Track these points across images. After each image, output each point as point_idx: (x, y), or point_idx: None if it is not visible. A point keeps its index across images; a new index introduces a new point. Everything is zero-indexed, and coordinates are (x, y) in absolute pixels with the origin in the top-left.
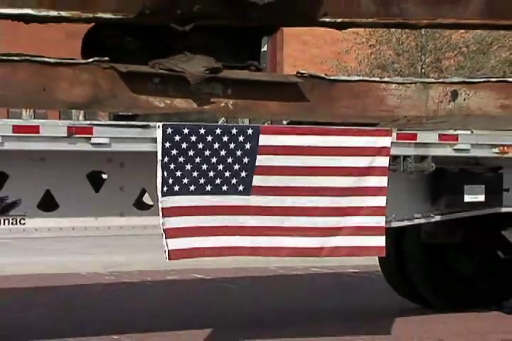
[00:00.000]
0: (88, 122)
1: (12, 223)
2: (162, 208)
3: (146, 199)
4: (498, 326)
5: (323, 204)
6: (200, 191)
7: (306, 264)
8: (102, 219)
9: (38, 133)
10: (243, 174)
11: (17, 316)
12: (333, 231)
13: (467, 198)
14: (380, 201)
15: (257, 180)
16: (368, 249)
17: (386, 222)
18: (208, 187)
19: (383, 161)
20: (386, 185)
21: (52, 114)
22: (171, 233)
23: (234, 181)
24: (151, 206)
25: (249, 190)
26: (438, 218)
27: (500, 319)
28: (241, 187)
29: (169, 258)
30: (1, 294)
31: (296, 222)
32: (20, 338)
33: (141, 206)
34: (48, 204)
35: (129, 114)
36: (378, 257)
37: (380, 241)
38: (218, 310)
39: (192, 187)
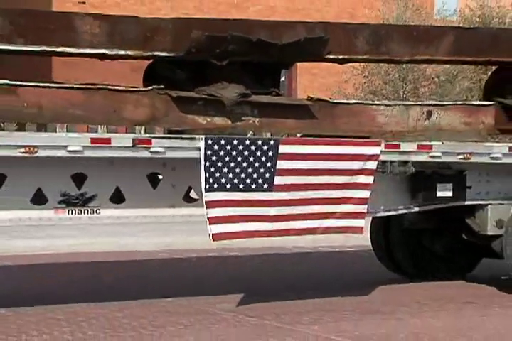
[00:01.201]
0: (148, 135)
1: (90, 212)
2: (206, 201)
3: (192, 194)
4: (463, 292)
5: (324, 196)
6: (235, 188)
7: (315, 244)
8: (158, 209)
9: (110, 143)
10: (267, 175)
11: (95, 282)
12: (328, 215)
13: (439, 194)
14: (366, 194)
15: (278, 180)
16: (351, 229)
17: (375, 212)
18: (241, 186)
19: (372, 165)
20: (372, 182)
21: (120, 129)
22: (213, 220)
23: (260, 181)
24: (196, 200)
25: (271, 187)
26: (416, 209)
27: (465, 286)
28: (265, 186)
29: (213, 240)
30: (79, 267)
31: (302, 209)
32: (92, 299)
33: (188, 200)
34: (117, 198)
35: (179, 129)
36: (371, 239)
37: (361, 223)
38: (248, 279)
39: (228, 186)
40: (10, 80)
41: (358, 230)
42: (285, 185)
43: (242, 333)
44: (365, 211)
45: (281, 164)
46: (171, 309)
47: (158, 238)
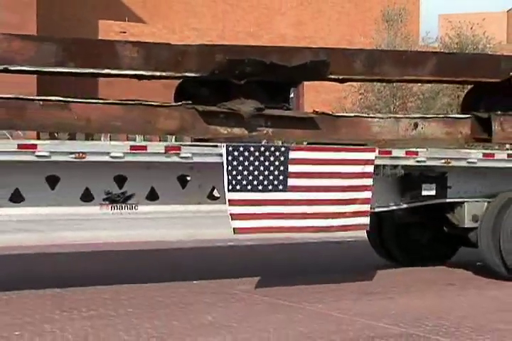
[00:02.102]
0: (178, 143)
1: (129, 208)
2: (228, 200)
3: (215, 193)
4: (444, 275)
5: (332, 197)
6: (254, 189)
7: (319, 236)
8: (186, 206)
9: (146, 150)
10: (281, 178)
11: (133, 267)
12: (339, 215)
13: (424, 192)
14: (368, 194)
15: (290, 182)
16: (359, 226)
17: (371, 208)
18: (260, 187)
19: (370, 168)
20: (372, 184)
21: (154, 138)
22: (234, 217)
23: (275, 182)
24: (219, 198)
25: (285, 188)
26: (405, 206)
27: (446, 271)
28: (280, 187)
29: (234, 233)
30: (120, 254)
31: (315, 209)
32: (132, 281)
33: (212, 198)
34: (152, 196)
35: (204, 137)
36: (366, 232)
37: (366, 220)
38: (262, 264)
39: (248, 187)
40: (63, 97)
41: (364, 227)
42: (298, 186)
43: (257, 310)
44: (369, 209)
45: (293, 168)
46: (197, 289)
47: (187, 230)
